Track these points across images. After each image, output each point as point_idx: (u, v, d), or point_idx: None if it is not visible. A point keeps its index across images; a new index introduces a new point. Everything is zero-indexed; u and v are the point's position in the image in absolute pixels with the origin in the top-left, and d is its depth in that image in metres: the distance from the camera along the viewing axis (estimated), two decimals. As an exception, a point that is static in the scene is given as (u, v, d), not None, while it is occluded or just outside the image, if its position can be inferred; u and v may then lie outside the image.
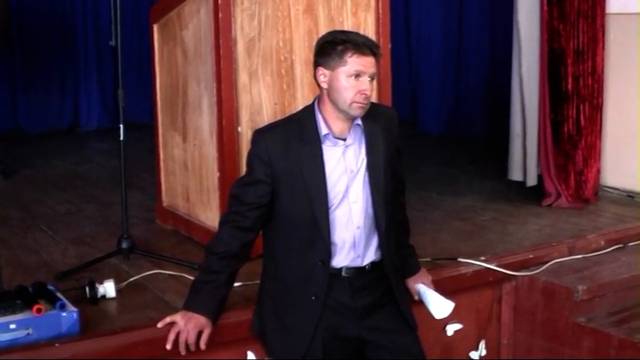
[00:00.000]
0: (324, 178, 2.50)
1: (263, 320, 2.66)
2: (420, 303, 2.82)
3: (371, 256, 2.61)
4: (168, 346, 2.50)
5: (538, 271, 3.43)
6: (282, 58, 3.34)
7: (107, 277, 2.99)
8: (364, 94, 2.44)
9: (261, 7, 3.27)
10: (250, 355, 2.79)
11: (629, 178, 4.52)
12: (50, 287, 2.77)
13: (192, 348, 2.51)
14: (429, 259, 3.30)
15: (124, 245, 3.34)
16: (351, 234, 2.56)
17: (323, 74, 2.49)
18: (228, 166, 3.30)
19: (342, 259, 2.57)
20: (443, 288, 2.94)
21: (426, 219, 4.09)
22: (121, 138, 3.30)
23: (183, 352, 2.51)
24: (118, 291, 2.95)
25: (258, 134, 2.58)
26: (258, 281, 2.75)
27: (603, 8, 4.43)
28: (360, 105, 2.46)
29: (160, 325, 2.57)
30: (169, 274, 3.18)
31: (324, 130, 2.51)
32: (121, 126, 3.28)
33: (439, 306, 2.76)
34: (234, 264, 2.59)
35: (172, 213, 3.89)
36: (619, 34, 4.51)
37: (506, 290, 3.44)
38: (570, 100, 4.35)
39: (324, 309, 2.55)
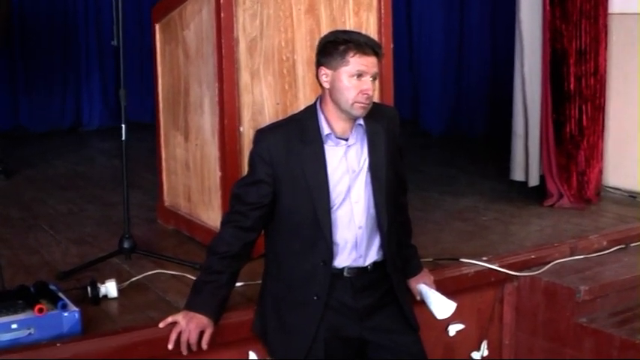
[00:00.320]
0: (326, 178, 2.50)
1: (265, 320, 2.65)
2: (422, 303, 2.82)
3: (373, 256, 2.61)
4: (170, 346, 2.50)
5: (540, 271, 3.42)
6: (284, 58, 3.34)
7: (109, 277, 2.99)
8: (366, 93, 2.44)
9: (263, 6, 3.27)
10: (252, 355, 2.79)
11: (632, 178, 4.52)
12: (52, 287, 2.76)
13: (194, 348, 2.51)
14: (430, 260, 3.30)
15: (126, 245, 3.33)
16: (353, 234, 2.56)
17: (325, 74, 2.49)
18: (229, 165, 3.30)
19: (343, 259, 2.57)
20: (445, 288, 2.94)
21: (427, 219, 4.08)
22: (123, 138, 3.29)
23: (184, 352, 2.50)
24: (119, 291, 2.94)
25: (260, 134, 2.58)
26: (259, 281, 2.75)
27: (606, 8, 4.43)
28: (362, 105, 2.46)
29: (161, 325, 2.57)
30: (171, 274, 3.18)
31: (326, 130, 2.51)
32: (123, 126, 3.28)
33: (441, 306, 2.76)
34: (236, 264, 2.59)
35: (174, 213, 3.89)
36: (621, 35, 4.50)
37: (508, 290, 3.43)
38: (572, 100, 4.35)
39: (326, 309, 2.54)
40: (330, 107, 2.51)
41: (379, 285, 2.64)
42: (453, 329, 3.26)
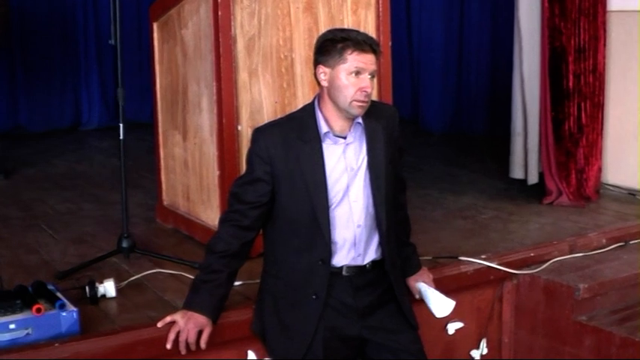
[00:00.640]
0: (324, 176, 2.49)
1: (263, 319, 2.65)
2: (421, 302, 2.82)
3: (371, 254, 2.61)
4: (169, 346, 2.50)
5: (539, 269, 3.42)
6: (282, 57, 3.33)
7: (107, 277, 2.99)
8: (365, 91, 2.44)
9: (261, 5, 3.27)
10: (251, 354, 2.79)
11: (631, 175, 4.52)
12: (50, 287, 2.76)
13: (193, 347, 2.50)
14: (430, 258, 3.30)
15: (125, 244, 3.33)
16: (352, 232, 2.55)
17: (323, 72, 2.49)
18: (228, 164, 3.29)
19: (342, 257, 2.56)
20: (444, 286, 2.94)
21: (427, 217, 4.09)
22: (121, 137, 3.29)
23: (183, 351, 2.50)
24: (118, 290, 2.94)
25: (258, 133, 2.57)
26: (258, 280, 2.75)
27: (604, 6, 4.42)
28: (360, 104, 2.45)
29: (159, 324, 2.56)
30: (170, 274, 3.18)
31: (324, 128, 2.50)
32: (121, 125, 3.28)
33: (440, 304, 2.76)
34: (235, 263, 2.59)
35: (173, 212, 3.89)
36: (620, 32, 4.50)
37: (508, 289, 3.43)
38: (571, 98, 4.35)
39: (325, 308, 2.54)
40: (328, 106, 2.51)
41: (378, 284, 2.64)
42: (453, 327, 3.26)
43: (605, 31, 4.45)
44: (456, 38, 6.81)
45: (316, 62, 2.52)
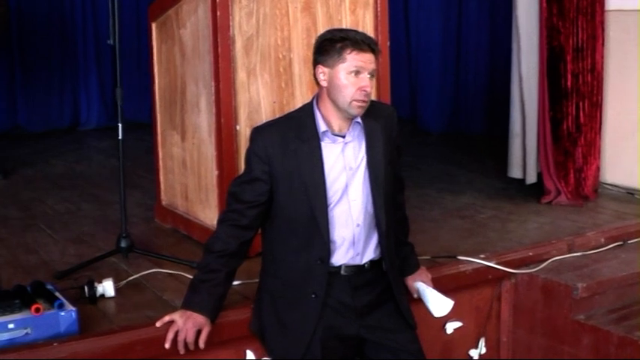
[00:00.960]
0: (322, 175, 2.50)
1: (262, 319, 2.65)
2: (420, 301, 2.82)
3: (370, 254, 2.61)
4: (167, 345, 2.50)
5: (537, 268, 3.42)
6: (281, 56, 3.33)
7: (106, 277, 2.99)
8: (364, 90, 2.44)
9: (259, 5, 3.27)
10: (249, 354, 2.79)
11: (629, 175, 4.52)
12: (49, 286, 2.76)
13: (192, 347, 2.51)
14: (428, 257, 3.30)
15: (123, 244, 3.34)
16: (351, 232, 2.55)
17: (323, 72, 2.49)
18: (226, 164, 3.30)
19: (340, 257, 2.56)
20: (442, 286, 2.94)
21: (425, 217, 4.09)
22: (120, 137, 3.30)
23: (182, 351, 2.50)
24: (116, 290, 2.94)
25: (257, 132, 2.57)
26: (257, 280, 2.75)
27: (602, 5, 4.43)
28: (360, 104, 2.45)
29: (158, 324, 2.56)
30: (168, 273, 3.18)
31: (322, 127, 2.50)
32: (120, 125, 3.28)
33: (438, 304, 2.76)
34: (233, 262, 2.59)
35: (171, 212, 3.89)
36: (618, 31, 4.50)
37: (506, 288, 3.43)
38: (570, 98, 4.35)
39: (324, 307, 2.54)
40: (327, 105, 2.51)
41: (377, 283, 2.64)
42: (451, 327, 3.26)
43: (603, 30, 4.45)
44: (454, 38, 6.81)
45: (315, 62, 2.52)
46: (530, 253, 3.50)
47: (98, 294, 2.88)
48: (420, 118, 7.03)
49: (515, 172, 4.60)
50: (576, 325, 3.25)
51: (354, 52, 2.43)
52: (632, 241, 3.78)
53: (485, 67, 6.60)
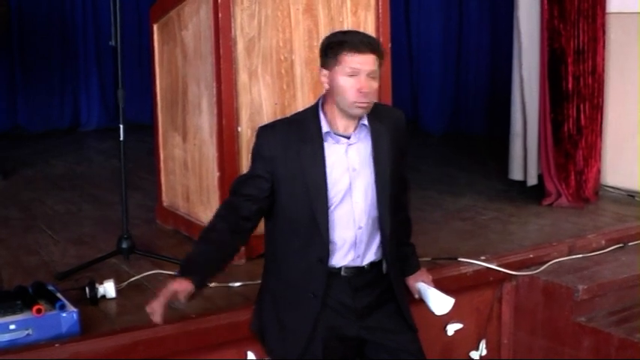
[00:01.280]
0: (324, 176, 2.49)
1: (262, 318, 2.65)
2: (421, 301, 2.82)
3: (371, 256, 2.60)
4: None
5: (538, 270, 3.42)
6: (282, 58, 3.34)
7: (107, 278, 2.99)
8: (362, 91, 2.43)
9: (261, 6, 3.27)
10: (250, 355, 2.79)
11: (630, 177, 4.52)
12: (50, 287, 2.77)
13: (166, 299, 2.37)
14: (429, 259, 3.30)
15: (124, 245, 3.34)
16: (352, 234, 2.55)
17: (324, 75, 2.49)
18: (228, 165, 3.30)
19: (340, 258, 2.56)
20: (443, 287, 2.92)
21: (426, 218, 4.08)
22: (121, 138, 3.29)
23: (157, 320, 2.37)
24: (118, 291, 2.95)
25: (261, 131, 2.57)
26: (258, 281, 2.75)
27: (603, 7, 4.43)
28: (361, 105, 2.44)
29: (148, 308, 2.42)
30: (169, 274, 3.16)
31: (325, 127, 2.50)
32: (121, 126, 3.28)
33: (439, 302, 2.75)
34: (226, 235, 2.50)
35: (172, 213, 3.89)
36: (619, 34, 4.50)
37: (507, 290, 3.43)
38: (571, 100, 4.35)
39: (324, 308, 2.54)
40: (332, 107, 2.50)
41: (377, 284, 2.63)
42: (452, 328, 3.26)
43: (604, 32, 4.45)
44: (455, 38, 6.82)
45: (320, 66, 2.52)
46: (531, 255, 3.50)
47: (99, 295, 2.89)
48: (420, 119, 7.04)
49: (516, 174, 4.60)
50: (577, 327, 3.25)
51: (350, 54, 2.41)
52: (632, 243, 3.78)
53: (486, 68, 6.61)
